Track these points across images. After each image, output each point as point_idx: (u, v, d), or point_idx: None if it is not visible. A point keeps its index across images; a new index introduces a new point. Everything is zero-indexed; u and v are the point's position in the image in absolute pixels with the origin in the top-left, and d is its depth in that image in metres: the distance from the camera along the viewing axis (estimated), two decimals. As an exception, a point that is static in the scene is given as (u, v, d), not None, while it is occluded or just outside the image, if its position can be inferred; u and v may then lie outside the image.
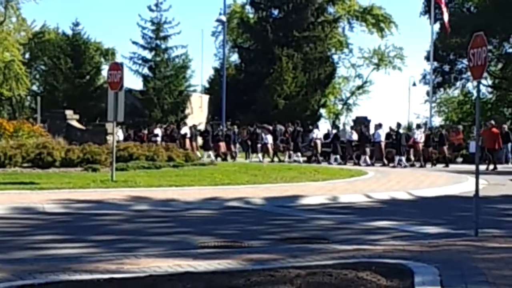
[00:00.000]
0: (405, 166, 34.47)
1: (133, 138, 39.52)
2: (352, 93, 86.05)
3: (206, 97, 63.71)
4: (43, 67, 73.54)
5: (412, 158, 36.50)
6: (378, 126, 37.41)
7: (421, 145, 35.88)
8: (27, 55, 73.15)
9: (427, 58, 54.05)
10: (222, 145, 38.27)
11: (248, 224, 13.41)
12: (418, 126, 41.06)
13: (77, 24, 66.38)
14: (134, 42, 61.53)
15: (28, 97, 72.27)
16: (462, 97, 67.97)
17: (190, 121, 54.10)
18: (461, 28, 49.48)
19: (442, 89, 63.52)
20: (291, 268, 7.88)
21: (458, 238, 10.96)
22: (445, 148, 36.43)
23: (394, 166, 34.35)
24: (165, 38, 61.51)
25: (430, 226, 13.05)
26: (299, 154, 38.53)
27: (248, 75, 59.33)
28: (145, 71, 61.61)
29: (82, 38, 66.62)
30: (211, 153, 38.35)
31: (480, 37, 11.65)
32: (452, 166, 34.29)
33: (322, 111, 71.89)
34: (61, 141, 27.51)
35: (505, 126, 36.71)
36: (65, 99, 61.73)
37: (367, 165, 35.02)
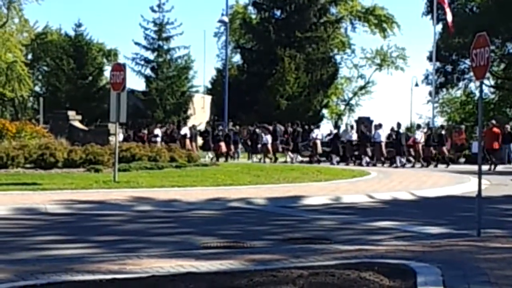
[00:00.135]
0: (403, 165, 34.45)
1: (133, 139, 39.46)
2: (355, 94, 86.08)
3: (208, 98, 63.72)
4: (45, 68, 73.63)
5: (412, 159, 36.49)
6: (378, 126, 37.42)
7: (421, 145, 35.89)
8: (29, 56, 73.23)
9: (430, 59, 54.02)
10: (222, 145, 38.29)
11: (250, 225, 13.41)
12: (418, 126, 41.04)
13: (79, 25, 66.50)
14: (136, 43, 61.67)
15: (31, 98, 72.33)
16: (465, 97, 67.94)
17: (192, 122, 54.17)
18: (463, 29, 49.47)
19: (444, 90, 63.51)
20: (294, 269, 7.88)
21: (460, 238, 10.95)
22: (444, 148, 36.44)
23: (396, 167, 34.32)
24: (167, 39, 61.56)
25: (433, 226, 13.05)
26: (297, 154, 38.59)
27: (251, 76, 59.37)
28: (148, 72, 61.75)
29: (84, 39, 66.68)
30: (210, 153, 38.25)
31: (482, 37, 11.64)
32: (454, 167, 34.26)
33: (325, 111, 71.91)
34: (64, 142, 27.49)
35: (508, 126, 36.64)
36: (67, 100, 61.75)
37: (367, 164, 35.02)
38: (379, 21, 77.03)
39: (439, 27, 55.15)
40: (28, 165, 23.77)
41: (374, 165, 35.16)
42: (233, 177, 22.68)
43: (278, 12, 62.03)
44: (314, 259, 8.73)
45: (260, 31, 61.13)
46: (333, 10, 65.75)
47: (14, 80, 64.06)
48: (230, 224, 13.33)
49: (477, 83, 12.65)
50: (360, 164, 35.33)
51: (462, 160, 39.29)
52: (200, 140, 41.53)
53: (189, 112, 60.37)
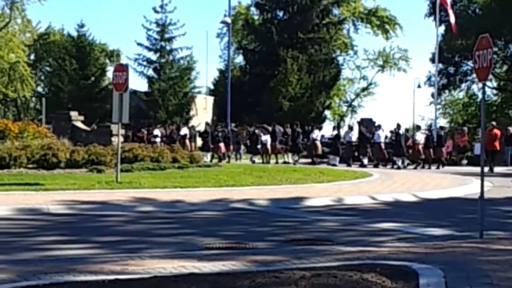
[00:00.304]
0: (398, 168, 34.46)
1: (132, 139, 39.39)
2: (357, 95, 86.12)
3: (211, 99, 63.73)
4: (48, 68, 73.70)
5: (408, 160, 36.54)
6: (378, 127, 37.46)
7: (421, 146, 35.92)
8: (32, 57, 73.27)
9: (432, 60, 54.01)
10: (222, 146, 38.32)
11: (252, 226, 13.40)
12: (418, 127, 41.05)
13: (82, 26, 66.56)
14: (139, 44, 61.67)
15: (33, 99, 72.41)
16: (467, 99, 67.97)
17: (194, 123, 54.21)
18: (466, 30, 49.47)
19: (447, 91, 63.55)
20: (296, 270, 7.88)
21: (463, 240, 10.94)
22: (443, 149, 36.49)
23: (398, 168, 34.33)
24: (170, 39, 61.56)
25: (435, 228, 13.04)
26: (297, 155, 38.64)
27: (253, 77, 59.37)
28: (150, 72, 61.73)
29: (87, 39, 66.75)
30: (208, 155, 38.10)
31: (485, 39, 11.63)
32: (457, 168, 34.26)
33: (327, 113, 71.95)
34: (66, 142, 27.51)
35: (510, 128, 36.62)
36: (70, 100, 61.80)
37: (364, 165, 35.03)
38: (382, 22, 77.06)
39: (442, 28, 55.22)
40: (30, 166, 23.79)
41: (376, 166, 35.14)
42: (235, 178, 22.67)
43: (280, 13, 62.05)
44: (316, 260, 8.73)
45: (263, 32, 61.14)
46: (335, 11, 65.79)
47: (17, 80, 64.05)
48: (233, 225, 13.33)
49: (480, 85, 12.65)
50: (362, 166, 35.29)
51: (465, 162, 39.30)
52: (199, 141, 41.56)
53: (191, 113, 60.37)
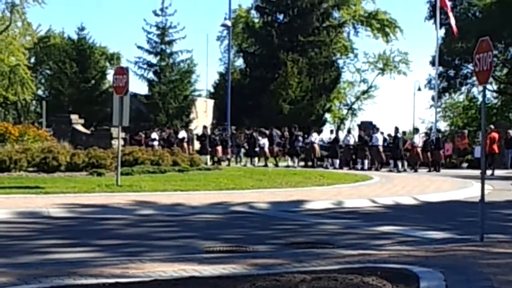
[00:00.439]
0: (405, 170, 34.45)
1: (129, 142, 39.30)
2: (357, 98, 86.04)
3: (211, 102, 63.75)
4: (48, 71, 73.74)
5: (405, 163, 36.54)
6: (376, 130, 37.48)
7: (419, 149, 35.96)
8: (32, 60, 73.29)
9: (432, 63, 53.97)
10: (219, 149, 38.34)
11: (253, 229, 13.41)
12: (417, 130, 41.06)
13: (82, 29, 66.63)
14: (139, 47, 61.66)
15: (34, 102, 72.44)
16: (468, 102, 67.93)
17: (195, 126, 54.25)
18: (466, 33, 49.44)
19: (447, 94, 63.51)
20: (296, 273, 7.87)
21: (463, 243, 10.94)
22: (440, 152, 36.52)
23: (398, 171, 34.33)
24: (170, 42, 61.57)
25: (436, 231, 13.04)
26: (295, 159, 38.69)
27: (253, 80, 59.36)
28: (150, 75, 61.72)
29: (87, 42, 66.81)
30: (208, 158, 38.13)
31: (485, 42, 11.64)
32: (457, 171, 34.28)
33: (327, 116, 71.88)
34: (66, 145, 27.52)
35: (511, 131, 36.63)
36: (70, 103, 61.84)
37: (362, 169, 35.07)
38: (382, 25, 77.02)
39: (442, 31, 55.19)
40: (31, 169, 23.80)
41: (377, 169, 35.15)
42: (235, 181, 22.69)
43: (280, 16, 62.02)
44: (317, 263, 8.72)
45: (263, 35, 61.14)
46: (335, 14, 65.71)
47: (17, 83, 64.05)
48: (233, 228, 13.32)
49: (480, 88, 12.65)
50: (363, 169, 35.32)
51: (465, 165, 39.31)
52: (197, 144, 41.58)
53: (191, 116, 60.39)
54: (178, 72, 61.87)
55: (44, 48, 73.95)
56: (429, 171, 35.24)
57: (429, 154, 35.91)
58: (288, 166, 37.43)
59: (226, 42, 67.67)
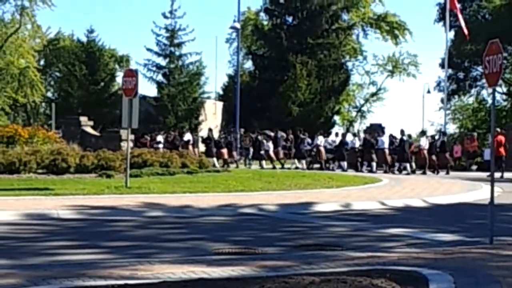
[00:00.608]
0: (413, 171, 34.39)
1: (134, 144, 39.23)
2: (366, 100, 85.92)
3: (220, 104, 63.76)
4: (58, 73, 73.94)
5: (413, 165, 36.48)
6: (382, 133, 37.43)
7: (425, 152, 35.92)
8: (42, 62, 73.58)
9: (442, 65, 53.88)
10: (225, 152, 38.36)
11: (262, 231, 13.40)
12: (423, 133, 41.00)
13: (91, 31, 66.68)
14: (148, 49, 61.68)
15: (43, 104, 72.68)
16: (477, 104, 67.73)
17: (203, 128, 54.26)
18: (476, 35, 49.35)
19: (456, 97, 63.40)
20: (305, 275, 7.86)
21: (472, 246, 10.91)
22: (446, 155, 36.45)
23: (408, 173, 34.27)
24: (179, 45, 61.60)
25: (445, 233, 13.00)
26: (303, 161, 38.65)
27: (262, 82, 59.35)
28: (160, 78, 61.73)
29: (96, 45, 66.87)
30: (215, 159, 38.11)
31: (495, 44, 11.62)
32: (466, 174, 34.19)
33: (336, 118, 71.76)
34: (76, 147, 27.59)
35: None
36: (79, 105, 61.93)
37: (370, 171, 35.02)
38: (391, 28, 76.92)
39: (451, 34, 55.08)
40: (40, 171, 23.86)
41: (385, 171, 35.11)
42: (244, 183, 22.68)
43: (290, 19, 62.01)
44: (326, 265, 8.72)
45: (272, 38, 61.14)
46: (345, 16, 65.68)
47: (27, 85, 64.36)
48: (242, 230, 13.32)
49: (490, 90, 12.64)
50: (371, 171, 35.26)
51: (474, 167, 39.21)
52: (202, 147, 41.59)
53: (200, 118, 60.42)
54: (187, 74, 61.89)
55: (54, 50, 74.22)
56: (437, 173, 35.17)
57: (433, 156, 35.87)
58: (297, 168, 37.41)
59: (235, 44, 67.95)
